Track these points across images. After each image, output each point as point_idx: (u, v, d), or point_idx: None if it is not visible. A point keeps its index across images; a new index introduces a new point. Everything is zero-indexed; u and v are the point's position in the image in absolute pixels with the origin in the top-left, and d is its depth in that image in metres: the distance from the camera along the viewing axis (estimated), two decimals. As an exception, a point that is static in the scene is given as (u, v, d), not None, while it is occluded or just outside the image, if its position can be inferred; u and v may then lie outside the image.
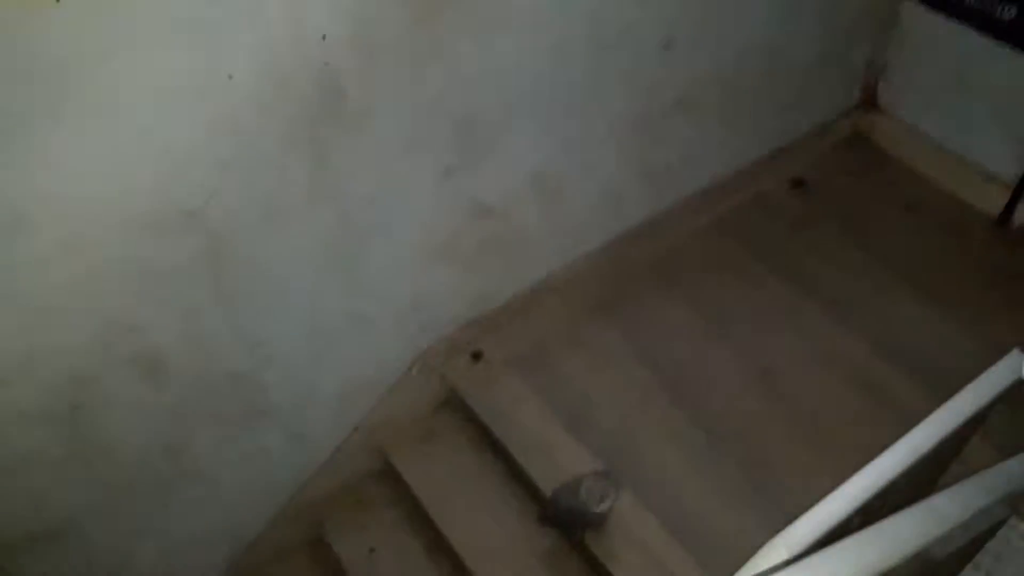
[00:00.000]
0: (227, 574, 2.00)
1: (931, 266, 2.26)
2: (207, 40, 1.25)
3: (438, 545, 1.96)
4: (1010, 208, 2.34)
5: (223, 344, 1.61)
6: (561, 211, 2.04)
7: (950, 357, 1.99)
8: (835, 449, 1.85)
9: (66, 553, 1.65)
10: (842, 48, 2.44)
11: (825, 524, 1.20)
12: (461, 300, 2.00)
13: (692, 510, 1.82)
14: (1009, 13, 2.05)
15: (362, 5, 1.37)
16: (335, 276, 1.70)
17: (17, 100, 1.12)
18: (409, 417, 2.08)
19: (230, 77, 1.29)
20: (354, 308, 1.79)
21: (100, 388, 1.49)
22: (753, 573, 1.24)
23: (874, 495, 1.17)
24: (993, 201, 2.37)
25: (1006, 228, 2.36)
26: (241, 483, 1.88)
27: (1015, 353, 1.20)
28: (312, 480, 2.01)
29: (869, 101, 2.61)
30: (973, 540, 1.36)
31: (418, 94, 1.56)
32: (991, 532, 1.54)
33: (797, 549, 1.19)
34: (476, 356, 2.08)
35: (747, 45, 2.11)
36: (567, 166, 1.95)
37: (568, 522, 1.74)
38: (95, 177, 1.26)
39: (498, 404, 2.01)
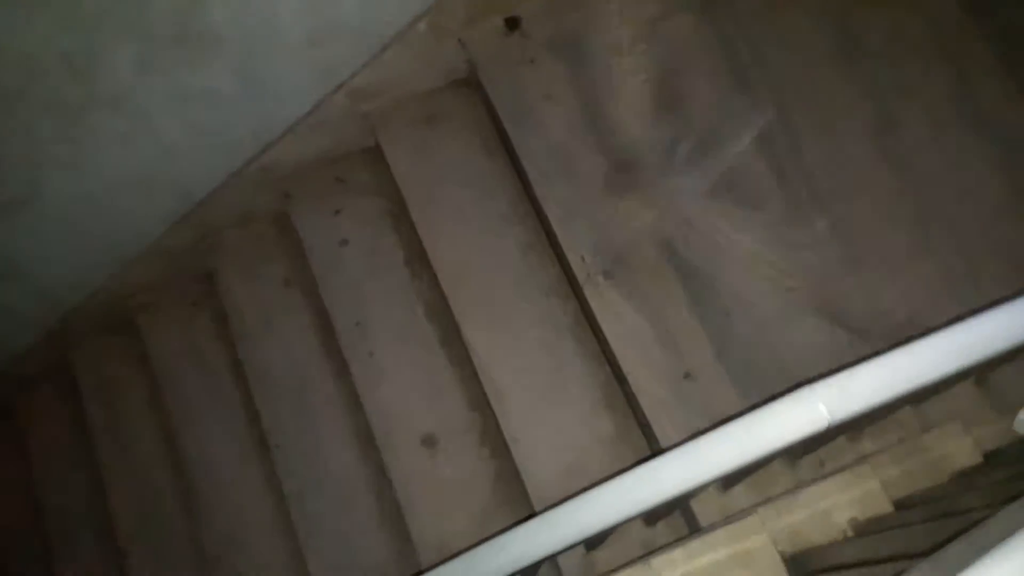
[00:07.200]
0: (179, 226, 1.70)
1: None
2: None
3: (419, 256, 1.58)
4: None
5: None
6: None
7: None
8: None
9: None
10: None
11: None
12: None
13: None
14: None
15: None
16: None
17: None
18: (410, 89, 1.58)
19: None
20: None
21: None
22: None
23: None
24: None
25: None
26: (182, 126, 1.48)
27: None
28: (281, 142, 1.60)
29: None
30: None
31: None
32: None
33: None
34: (511, 23, 1.50)
35: None
36: None
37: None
38: None
39: (525, 97, 1.48)
